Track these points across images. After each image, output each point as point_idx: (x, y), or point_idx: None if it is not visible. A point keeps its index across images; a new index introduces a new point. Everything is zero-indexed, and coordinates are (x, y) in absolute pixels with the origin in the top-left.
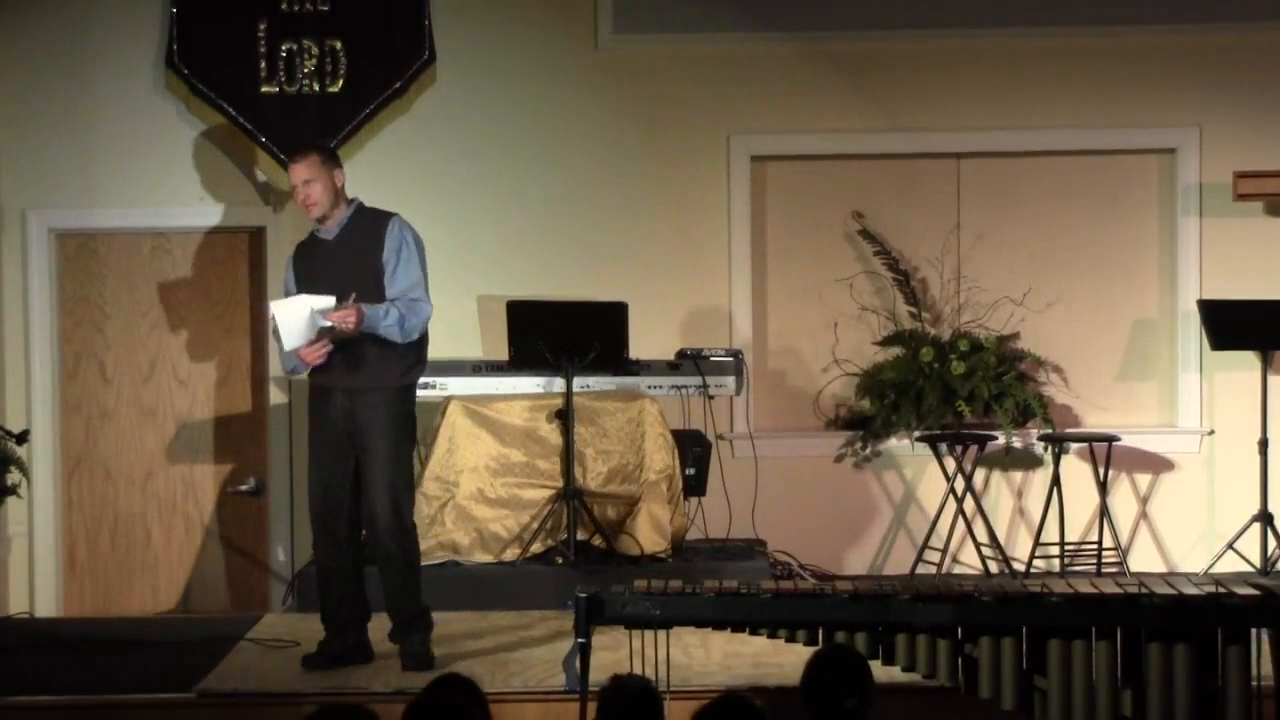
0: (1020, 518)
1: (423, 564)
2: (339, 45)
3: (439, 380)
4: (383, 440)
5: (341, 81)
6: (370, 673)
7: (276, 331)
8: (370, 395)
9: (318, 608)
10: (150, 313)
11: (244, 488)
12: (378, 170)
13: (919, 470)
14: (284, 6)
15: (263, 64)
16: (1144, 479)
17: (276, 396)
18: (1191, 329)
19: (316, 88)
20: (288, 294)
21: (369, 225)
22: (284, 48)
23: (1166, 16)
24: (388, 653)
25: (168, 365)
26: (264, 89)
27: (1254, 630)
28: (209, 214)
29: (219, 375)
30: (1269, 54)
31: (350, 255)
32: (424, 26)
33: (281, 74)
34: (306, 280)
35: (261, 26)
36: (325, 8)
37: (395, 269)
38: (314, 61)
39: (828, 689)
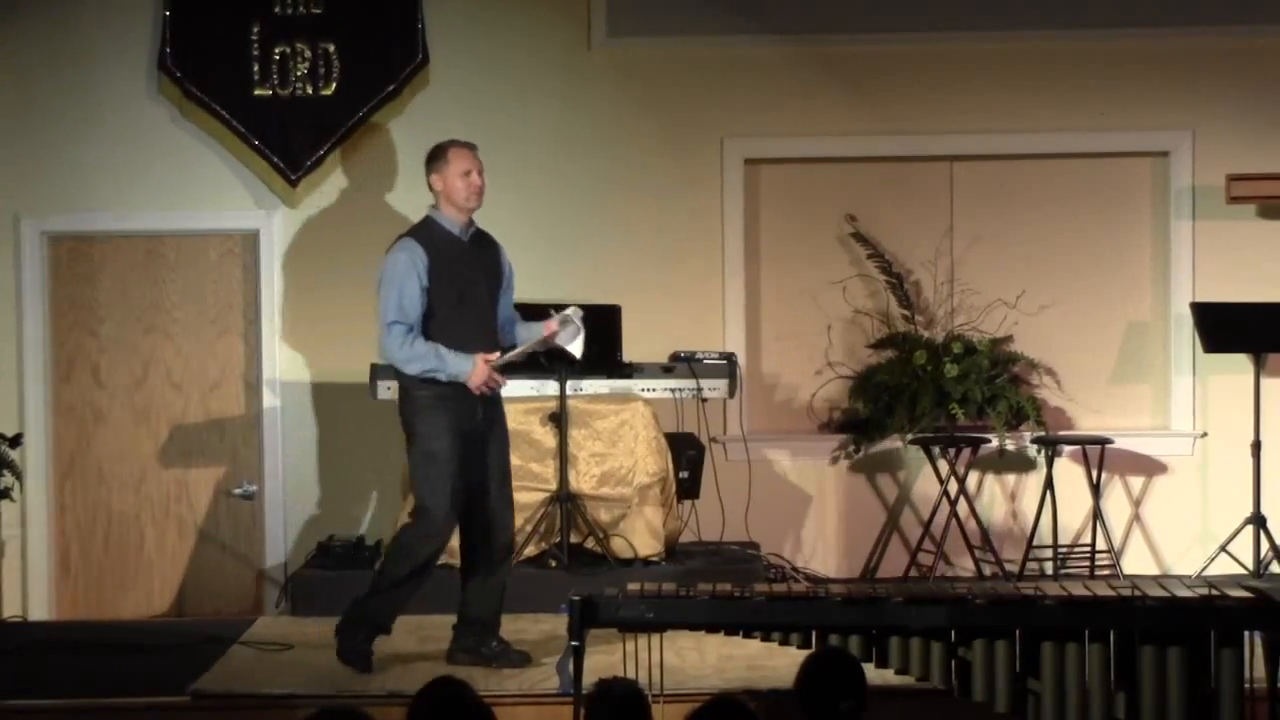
0: (1014, 520)
1: None
2: (332, 48)
3: None
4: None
5: (335, 84)
6: (365, 676)
7: (571, 335)
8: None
9: (311, 611)
10: (144, 316)
11: (238, 491)
12: (371, 173)
13: (912, 473)
14: (277, 9)
15: (256, 67)
16: (1137, 482)
17: (270, 400)
18: (1184, 332)
19: (310, 90)
20: (418, 278)
21: (489, 242)
22: (277, 50)
23: (1160, 20)
24: (384, 654)
25: (161, 368)
26: (257, 92)
27: (1247, 633)
28: (202, 217)
29: (212, 379)
30: (1261, 57)
31: (485, 264)
32: (417, 29)
33: (275, 77)
34: (450, 274)
35: (254, 29)
36: (318, 10)
37: (509, 295)
38: (307, 64)
39: (822, 692)
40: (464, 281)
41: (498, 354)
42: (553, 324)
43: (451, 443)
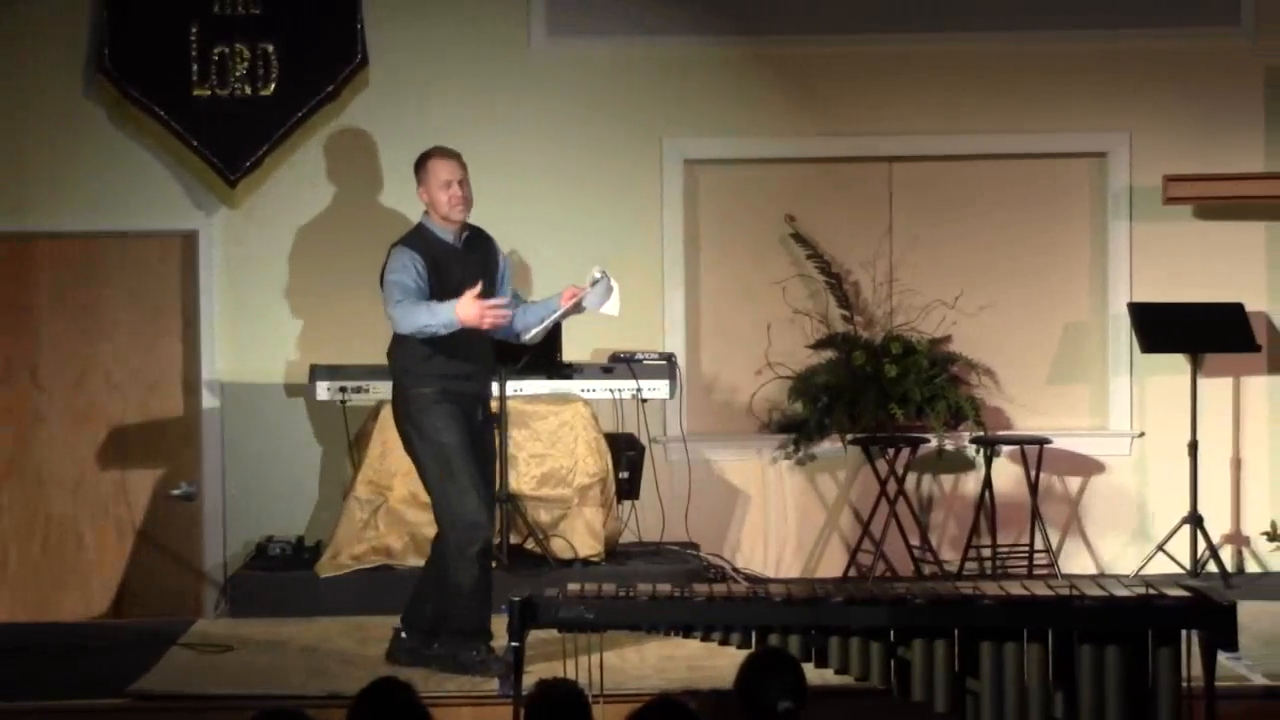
0: (953, 520)
1: (356, 569)
2: (271, 48)
3: (372, 384)
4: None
5: (274, 85)
6: (305, 676)
7: (602, 295)
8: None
9: (251, 612)
10: (81, 318)
11: (177, 492)
12: (311, 174)
13: (852, 473)
14: (216, 9)
15: (194, 67)
16: (1075, 481)
17: (209, 401)
18: (1122, 332)
19: (249, 91)
20: (417, 272)
21: (482, 240)
22: (216, 51)
23: (1097, 22)
24: (324, 655)
25: (100, 370)
26: (195, 92)
27: (1184, 632)
28: (141, 218)
29: (151, 380)
30: (1198, 59)
31: (480, 266)
32: (356, 29)
33: (213, 77)
34: (444, 279)
35: (193, 30)
36: (257, 11)
37: (508, 288)
38: (246, 65)
39: (761, 692)
40: (459, 284)
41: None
42: (577, 289)
43: (461, 434)
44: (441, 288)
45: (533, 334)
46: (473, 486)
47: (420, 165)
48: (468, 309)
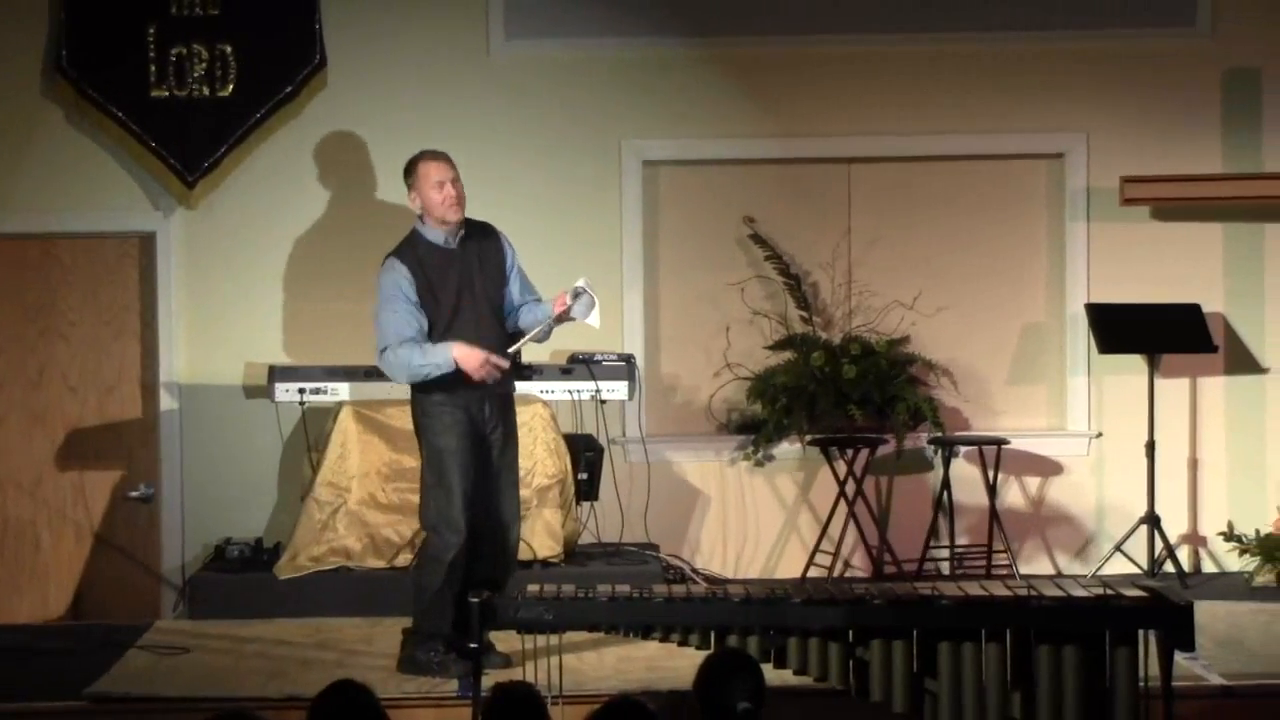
0: (911, 521)
1: (315, 570)
2: (229, 49)
3: (331, 385)
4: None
5: (232, 86)
6: (263, 678)
7: (586, 306)
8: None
9: (209, 614)
10: (39, 319)
11: (135, 494)
12: (269, 175)
13: (811, 474)
14: (174, 10)
15: (152, 68)
16: (1033, 482)
17: (167, 403)
18: (1079, 332)
19: (207, 92)
20: (406, 297)
21: (482, 235)
22: (174, 52)
23: (1055, 24)
24: (282, 657)
25: (57, 371)
26: (154, 93)
27: (1141, 632)
28: (98, 219)
29: (109, 381)
30: (1155, 60)
31: (478, 265)
32: (315, 31)
33: (172, 78)
34: (439, 288)
35: (151, 31)
36: (215, 12)
37: (516, 278)
38: (204, 66)
39: (720, 692)
40: (456, 289)
41: (490, 356)
42: (565, 298)
43: (459, 440)
44: (437, 297)
45: (517, 346)
46: (460, 494)
47: (410, 170)
48: (469, 359)
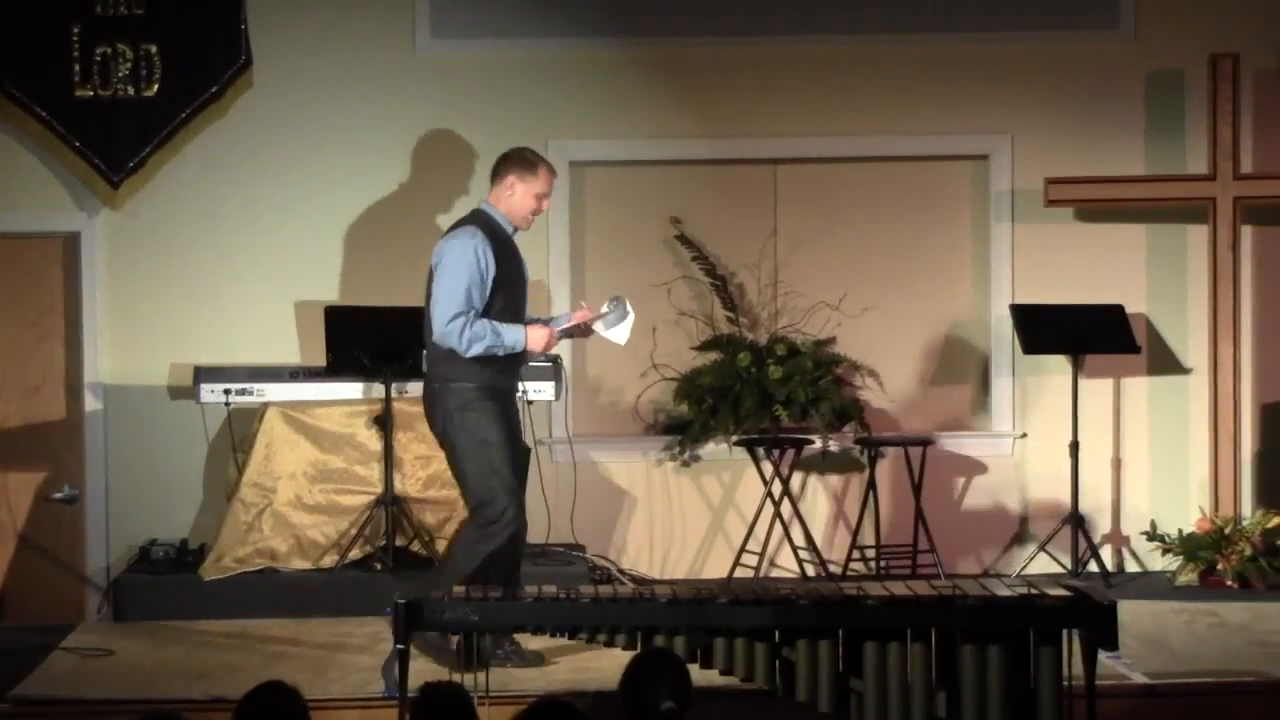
0: (837, 521)
1: (240, 571)
2: (154, 49)
3: (257, 386)
4: None
5: (157, 86)
6: (188, 680)
7: (617, 319)
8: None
9: (133, 617)
10: None
11: (59, 495)
12: (194, 175)
13: (737, 474)
14: (98, 10)
15: (76, 68)
16: (958, 482)
17: (92, 404)
18: (1004, 333)
19: (132, 92)
20: (484, 271)
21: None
22: (98, 52)
23: (980, 25)
24: (207, 659)
25: None
26: (78, 93)
27: (1065, 631)
28: (21, 219)
29: (33, 383)
30: (1078, 63)
31: (522, 259)
32: (240, 31)
33: (96, 78)
34: (505, 270)
35: (75, 30)
36: (140, 11)
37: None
38: (129, 65)
39: (646, 692)
40: (514, 275)
41: (551, 325)
42: (590, 312)
43: (502, 432)
44: (503, 276)
45: (564, 329)
46: (510, 486)
47: (531, 165)
48: (539, 339)
